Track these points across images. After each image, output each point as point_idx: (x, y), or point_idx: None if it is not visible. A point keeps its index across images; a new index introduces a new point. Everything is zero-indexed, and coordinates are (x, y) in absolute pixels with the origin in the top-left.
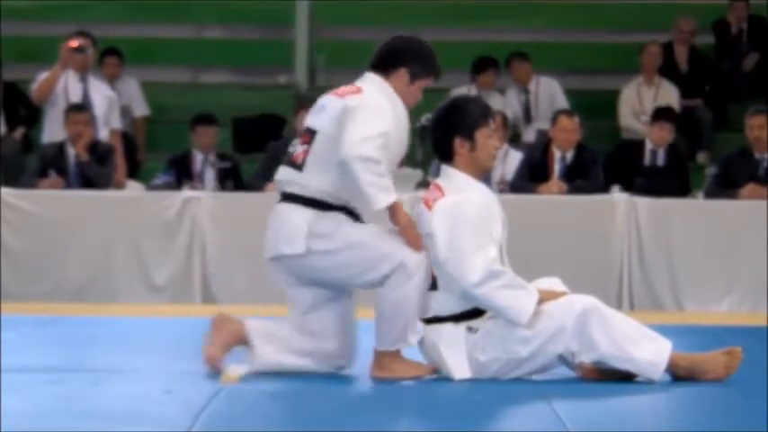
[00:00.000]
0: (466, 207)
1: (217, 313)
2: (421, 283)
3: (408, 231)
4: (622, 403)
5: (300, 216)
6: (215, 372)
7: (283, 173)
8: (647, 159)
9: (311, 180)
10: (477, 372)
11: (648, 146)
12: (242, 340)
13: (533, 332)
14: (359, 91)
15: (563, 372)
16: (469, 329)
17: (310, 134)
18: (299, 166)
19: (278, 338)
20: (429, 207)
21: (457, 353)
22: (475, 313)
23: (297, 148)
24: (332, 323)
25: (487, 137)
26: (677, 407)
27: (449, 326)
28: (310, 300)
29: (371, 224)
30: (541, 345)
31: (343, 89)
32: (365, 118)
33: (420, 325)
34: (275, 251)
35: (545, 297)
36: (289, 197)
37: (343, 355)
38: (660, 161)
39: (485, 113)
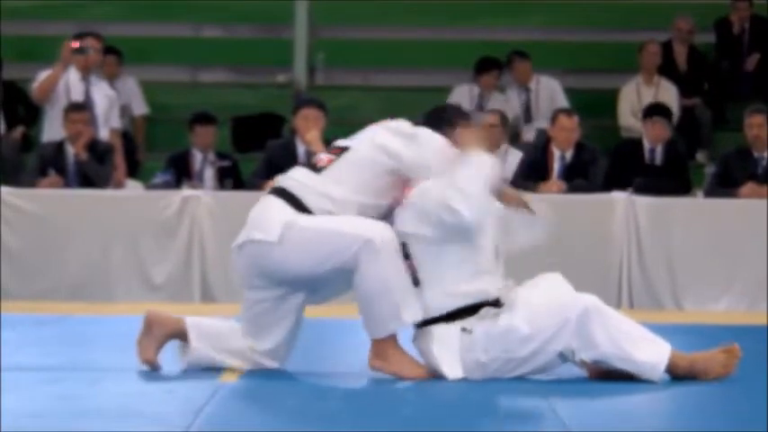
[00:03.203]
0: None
1: (147, 311)
2: (391, 258)
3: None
4: (622, 403)
5: (282, 210)
6: (152, 368)
7: (295, 172)
8: (646, 158)
9: (323, 185)
10: (477, 372)
11: (647, 144)
12: (177, 335)
13: (534, 331)
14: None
15: (563, 371)
16: (463, 330)
17: (340, 149)
18: (317, 170)
19: (214, 336)
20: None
21: (449, 352)
22: (466, 311)
23: (321, 157)
24: (274, 324)
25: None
26: (677, 407)
27: (441, 326)
28: (261, 298)
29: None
30: (542, 344)
31: None
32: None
33: (415, 308)
34: (245, 237)
35: (509, 196)
36: (280, 192)
37: (276, 357)
38: (659, 160)
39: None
